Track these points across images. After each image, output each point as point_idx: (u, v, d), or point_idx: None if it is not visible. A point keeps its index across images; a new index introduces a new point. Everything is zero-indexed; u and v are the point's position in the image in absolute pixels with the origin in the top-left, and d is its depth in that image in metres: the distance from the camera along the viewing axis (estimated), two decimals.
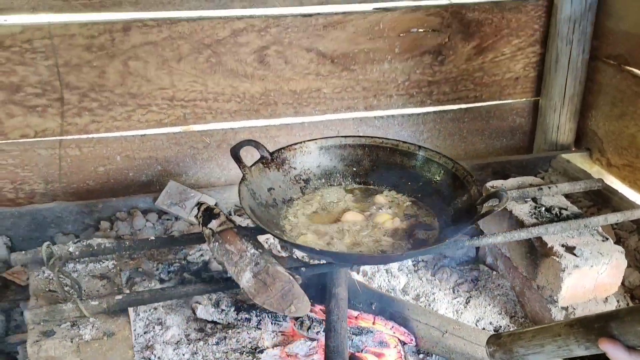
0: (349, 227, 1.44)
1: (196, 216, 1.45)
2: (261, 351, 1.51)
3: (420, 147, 1.59)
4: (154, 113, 2.10)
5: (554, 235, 1.53)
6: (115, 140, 2.11)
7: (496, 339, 0.96)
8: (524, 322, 1.62)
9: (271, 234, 1.29)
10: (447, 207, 1.46)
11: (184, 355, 1.51)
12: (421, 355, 1.53)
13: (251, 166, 1.50)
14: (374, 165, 1.62)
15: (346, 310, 1.40)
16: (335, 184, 1.61)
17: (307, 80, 2.19)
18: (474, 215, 1.32)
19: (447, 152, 1.70)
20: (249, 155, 1.55)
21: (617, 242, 1.66)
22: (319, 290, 1.52)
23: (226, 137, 2.21)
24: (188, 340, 1.56)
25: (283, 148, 1.60)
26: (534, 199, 1.67)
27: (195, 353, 1.51)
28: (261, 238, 1.51)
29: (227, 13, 2.01)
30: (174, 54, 2.02)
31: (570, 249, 1.49)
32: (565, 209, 1.64)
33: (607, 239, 1.54)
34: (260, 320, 1.57)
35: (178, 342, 1.55)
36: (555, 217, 1.60)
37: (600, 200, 2.05)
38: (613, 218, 1.60)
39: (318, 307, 1.55)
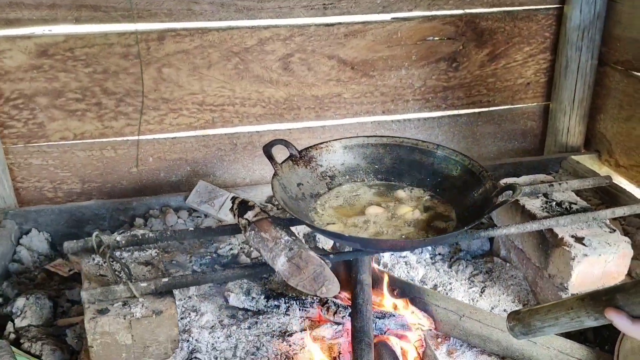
0: (372, 219, 1.55)
1: (231, 209, 1.56)
2: (290, 334, 1.62)
3: (438, 145, 1.71)
4: (185, 117, 2.23)
5: (564, 227, 1.63)
6: (148, 143, 2.24)
7: (515, 315, 1.04)
8: None
9: (303, 222, 1.41)
10: (463, 200, 1.57)
11: (218, 338, 1.62)
12: (439, 339, 1.64)
13: (282, 163, 1.62)
14: (395, 162, 1.73)
15: (371, 295, 1.51)
16: (358, 180, 1.73)
17: (328, 86, 2.31)
18: (489, 207, 1.43)
19: None
20: (279, 154, 1.66)
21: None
22: (344, 279, 1.63)
23: (252, 140, 2.33)
24: (222, 325, 1.67)
25: (310, 147, 1.71)
26: (545, 195, 1.78)
27: (229, 336, 1.63)
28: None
29: (254, 23, 2.14)
30: (204, 61, 2.15)
31: (579, 240, 1.59)
32: (575, 204, 1.74)
33: (615, 230, 1.64)
34: (289, 307, 1.68)
35: (212, 326, 1.66)
36: (565, 210, 1.71)
37: (609, 198, 2.15)
38: (620, 211, 1.70)
39: (343, 294, 1.66)
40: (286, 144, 1.65)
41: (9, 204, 2.13)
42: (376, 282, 1.63)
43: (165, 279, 1.36)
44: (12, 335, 1.59)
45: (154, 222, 2.14)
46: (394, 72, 2.34)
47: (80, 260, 1.87)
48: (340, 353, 1.55)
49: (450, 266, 1.91)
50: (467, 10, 2.34)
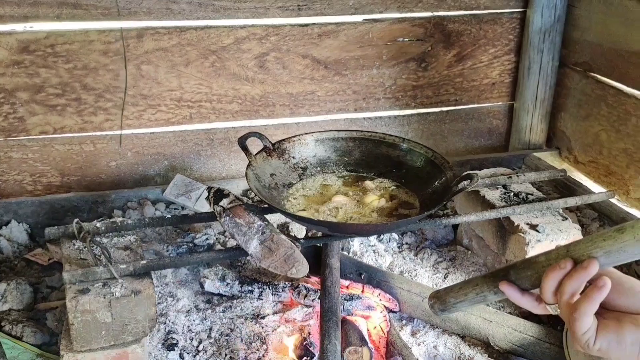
0: (341, 206, 1.64)
1: (207, 197, 1.64)
2: (263, 317, 1.71)
3: (404, 139, 1.81)
4: (163, 112, 2.30)
5: (520, 216, 1.75)
6: (127, 137, 2.30)
7: (435, 294, 1.13)
8: None
9: (275, 208, 1.49)
10: (426, 189, 1.67)
11: (194, 320, 1.70)
12: (404, 321, 1.74)
13: (256, 154, 1.70)
14: (363, 155, 1.83)
15: (339, 278, 1.60)
16: (329, 172, 1.82)
17: (302, 84, 2.40)
18: (449, 194, 1.53)
19: None
20: (254, 147, 1.75)
21: (580, 227, 1.87)
22: (314, 264, 1.72)
23: (228, 135, 2.41)
24: (197, 309, 1.75)
25: (283, 140, 1.80)
26: (504, 186, 1.89)
27: (205, 319, 1.70)
28: None
29: (231, 22, 2.23)
30: (182, 59, 2.23)
31: (533, 227, 1.71)
32: (532, 194, 1.86)
33: (567, 218, 1.76)
34: (262, 291, 1.77)
35: (189, 310, 1.74)
36: (522, 200, 1.82)
37: (566, 192, 2.27)
38: (572, 201, 1.82)
39: (314, 279, 1.75)
40: (260, 136, 1.73)
41: None
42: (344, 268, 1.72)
43: (144, 261, 1.43)
44: None
45: (132, 214, 2.21)
46: (365, 72, 2.44)
47: (59, 249, 1.94)
48: (310, 334, 1.63)
49: (416, 254, 2.01)
50: (435, 13, 2.45)
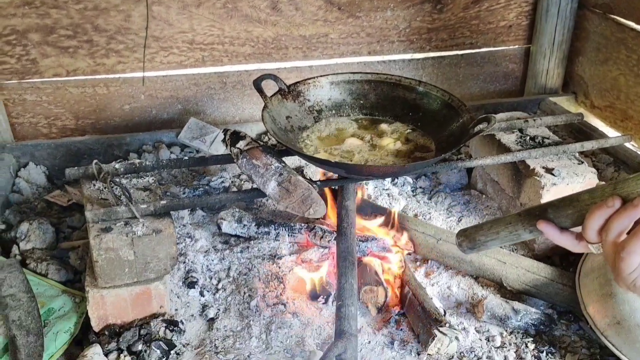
0: (357, 149, 1.65)
1: (224, 140, 1.65)
2: (280, 258, 1.75)
3: (420, 81, 1.79)
4: (175, 55, 2.28)
5: (536, 159, 1.75)
6: (139, 80, 2.29)
7: (463, 232, 1.12)
8: None
9: (291, 149, 1.50)
10: (443, 132, 1.67)
11: (212, 260, 1.74)
12: (418, 262, 1.77)
13: (271, 96, 1.70)
14: (379, 98, 1.82)
15: (355, 219, 1.62)
16: (344, 115, 1.81)
17: (315, 26, 2.36)
18: (466, 137, 1.53)
19: None
20: (269, 89, 1.73)
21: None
22: (331, 207, 1.74)
23: (241, 79, 2.39)
24: (215, 249, 1.79)
25: (298, 82, 1.79)
26: (520, 130, 1.88)
27: (223, 259, 1.74)
28: None
29: None
30: None
31: (549, 170, 1.71)
32: (548, 138, 1.85)
33: (582, 162, 1.76)
34: (278, 233, 1.80)
35: (207, 251, 1.78)
36: (538, 144, 1.82)
37: (582, 136, 2.26)
38: (589, 145, 1.81)
39: (329, 221, 1.78)
40: (275, 78, 1.72)
41: (5, 139, 2.19)
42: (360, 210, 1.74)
43: (164, 201, 1.45)
44: (18, 257, 1.69)
45: (147, 157, 2.22)
46: (379, 14, 2.39)
47: (78, 191, 1.97)
48: (326, 273, 1.67)
49: (430, 198, 2.03)
50: None
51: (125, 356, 1.40)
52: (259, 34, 2.32)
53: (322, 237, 1.74)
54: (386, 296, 1.58)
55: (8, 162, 2.09)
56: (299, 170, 2.09)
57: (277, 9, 2.29)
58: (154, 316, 1.50)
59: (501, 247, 1.70)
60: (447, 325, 1.48)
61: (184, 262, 1.70)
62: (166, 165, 1.64)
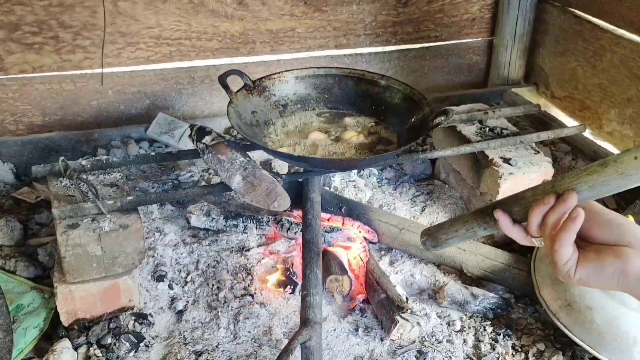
0: (321, 142, 1.69)
1: (190, 135, 1.67)
2: (248, 250, 1.78)
3: (382, 75, 1.84)
4: (142, 50, 2.29)
5: (494, 150, 1.81)
6: (107, 76, 2.30)
7: (427, 231, 1.16)
8: None
9: (257, 144, 1.53)
10: (404, 125, 1.72)
11: (181, 254, 1.77)
12: (382, 252, 1.83)
13: (237, 92, 1.73)
14: (343, 92, 1.86)
15: (320, 211, 1.67)
16: (309, 109, 1.85)
17: (282, 21, 2.39)
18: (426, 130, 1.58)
19: None
20: (234, 84, 1.76)
21: (553, 162, 1.93)
22: (296, 198, 1.78)
23: (209, 74, 2.41)
24: (184, 243, 1.82)
25: (263, 77, 1.82)
26: (480, 121, 1.94)
27: (192, 252, 1.77)
28: None
29: None
30: None
31: (507, 160, 1.77)
32: (506, 129, 1.91)
33: (539, 152, 1.83)
34: (246, 226, 1.83)
35: (176, 244, 1.80)
36: (497, 135, 1.88)
37: (543, 127, 2.33)
38: (545, 135, 1.88)
39: (296, 213, 1.82)
40: (240, 74, 1.75)
41: None
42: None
43: (131, 197, 1.48)
44: None
45: (115, 153, 2.23)
46: (345, 7, 2.43)
47: (46, 188, 1.97)
48: (292, 264, 1.71)
49: (395, 189, 2.08)
50: None
51: (94, 349, 1.43)
52: (226, 29, 2.34)
53: (288, 229, 1.78)
54: (351, 285, 1.63)
55: None
56: (267, 165, 2.13)
57: (243, 4, 2.31)
58: (123, 310, 1.52)
59: None
60: (409, 311, 1.53)
61: (153, 256, 1.73)
62: (133, 161, 1.67)
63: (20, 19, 2.09)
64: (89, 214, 1.45)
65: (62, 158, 1.59)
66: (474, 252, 1.69)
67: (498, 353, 1.52)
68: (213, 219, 1.84)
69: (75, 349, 1.43)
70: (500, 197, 1.76)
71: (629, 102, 2.15)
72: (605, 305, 1.43)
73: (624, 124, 2.19)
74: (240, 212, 1.89)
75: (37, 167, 1.60)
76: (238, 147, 1.59)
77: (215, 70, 2.40)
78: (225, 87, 1.70)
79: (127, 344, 1.44)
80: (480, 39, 2.69)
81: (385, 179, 2.15)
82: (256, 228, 1.82)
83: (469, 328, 1.59)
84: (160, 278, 1.66)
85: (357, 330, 1.57)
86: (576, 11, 2.39)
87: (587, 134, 2.28)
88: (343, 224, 1.77)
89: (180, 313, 1.58)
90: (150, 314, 1.55)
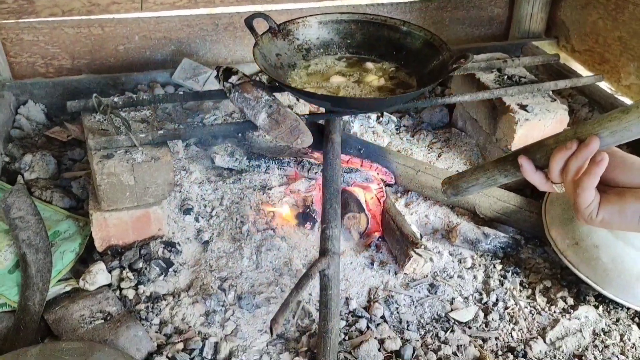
0: (343, 85, 1.74)
1: (216, 76, 1.73)
2: (270, 188, 1.86)
3: (404, 22, 1.87)
4: None
5: (512, 97, 1.85)
6: (133, 21, 2.35)
7: (448, 179, 1.20)
8: None
9: (281, 83, 1.59)
10: (424, 70, 1.76)
11: (206, 191, 1.85)
12: (399, 194, 1.90)
13: (262, 34, 1.78)
14: (365, 38, 1.90)
15: (340, 152, 1.73)
16: (332, 54, 1.90)
17: None
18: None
19: None
20: (259, 29, 1.81)
21: (570, 114, 1.96)
22: (318, 142, 1.85)
23: (232, 21, 2.45)
24: (209, 181, 1.90)
25: (288, 21, 1.87)
26: (499, 70, 1.98)
27: (216, 189, 1.86)
28: None
29: None
30: None
31: (523, 107, 1.81)
32: (524, 77, 1.95)
33: (555, 99, 1.86)
34: (268, 166, 1.91)
35: (201, 182, 1.89)
36: (515, 83, 1.92)
37: (560, 78, 2.35)
38: (562, 83, 1.91)
39: (317, 154, 1.89)
40: (265, 17, 1.79)
41: (4, 77, 2.26)
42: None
43: (161, 131, 1.56)
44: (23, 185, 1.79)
45: (142, 96, 2.30)
46: None
47: (77, 127, 2.06)
48: (312, 202, 1.79)
49: (412, 135, 2.14)
50: None
51: (127, 272, 1.53)
52: None
53: (309, 170, 1.85)
54: (368, 222, 1.71)
55: (8, 100, 2.17)
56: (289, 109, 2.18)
57: None
58: (153, 238, 1.62)
59: None
60: (423, 247, 1.61)
61: (180, 192, 1.81)
62: (162, 99, 1.74)
63: None
64: (123, 146, 1.53)
65: (95, 95, 1.66)
66: (487, 195, 1.75)
67: (506, 288, 1.60)
68: (237, 159, 1.92)
69: (109, 271, 1.54)
70: (515, 142, 1.82)
71: None
72: (611, 244, 1.50)
73: None
74: (262, 153, 1.97)
75: (72, 103, 1.68)
76: (263, 86, 1.65)
77: (238, 18, 2.44)
78: (251, 29, 1.74)
79: (157, 269, 1.55)
80: None
81: (404, 126, 2.20)
82: (278, 168, 1.89)
83: (480, 265, 1.67)
84: (187, 211, 1.75)
85: (372, 264, 1.65)
86: None
87: (604, 86, 2.30)
88: (362, 165, 1.84)
89: (206, 243, 1.68)
90: (179, 243, 1.65)
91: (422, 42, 1.81)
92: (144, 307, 1.47)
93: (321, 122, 1.77)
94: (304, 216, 1.76)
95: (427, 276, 1.62)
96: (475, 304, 1.56)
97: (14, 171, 1.87)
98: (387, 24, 1.89)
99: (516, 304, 1.56)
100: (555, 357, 1.44)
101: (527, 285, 1.62)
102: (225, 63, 2.53)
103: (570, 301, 1.56)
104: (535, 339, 1.46)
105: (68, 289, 1.50)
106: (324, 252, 1.44)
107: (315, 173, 1.84)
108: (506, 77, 1.94)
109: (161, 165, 1.51)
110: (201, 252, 1.65)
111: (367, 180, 1.80)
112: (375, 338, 1.43)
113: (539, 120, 1.79)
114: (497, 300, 1.56)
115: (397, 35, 1.87)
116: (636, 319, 1.53)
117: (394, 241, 1.67)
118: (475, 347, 1.44)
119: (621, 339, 1.48)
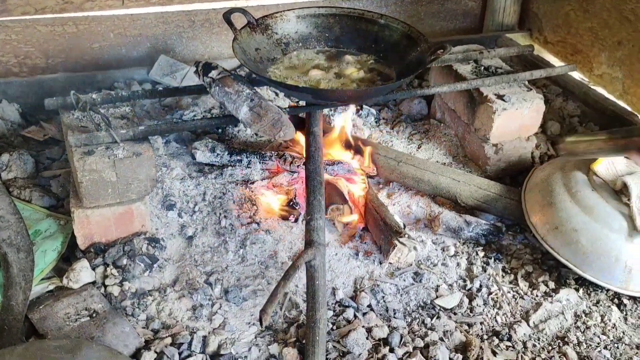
0: (323, 78, 1.75)
1: (196, 71, 1.72)
2: (252, 182, 1.86)
3: (382, 15, 1.89)
4: None
5: (489, 87, 1.88)
6: (108, 19, 2.32)
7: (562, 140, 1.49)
8: (464, 160, 2.01)
9: (261, 77, 1.60)
10: (403, 62, 1.78)
11: (189, 186, 1.84)
12: (381, 185, 1.91)
13: (240, 29, 1.77)
14: (344, 31, 1.91)
15: (322, 144, 1.74)
16: (310, 47, 1.91)
17: None
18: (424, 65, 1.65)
19: None
20: (238, 24, 1.81)
21: (545, 102, 2.00)
22: (299, 135, 1.85)
23: (209, 17, 2.44)
24: (191, 177, 1.89)
25: (266, 15, 1.87)
26: (476, 61, 2.01)
27: (198, 185, 1.85)
28: None
29: None
30: None
31: (500, 97, 1.85)
32: (500, 68, 1.98)
33: (531, 89, 1.90)
34: (250, 160, 1.90)
35: (183, 178, 1.88)
36: (492, 73, 1.95)
37: (534, 68, 2.40)
38: (537, 73, 1.95)
39: (298, 148, 1.89)
40: (244, 12, 1.80)
41: None
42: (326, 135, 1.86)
43: (142, 127, 1.54)
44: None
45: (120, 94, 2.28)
46: None
47: (53, 126, 2.04)
48: (295, 195, 1.80)
49: (392, 127, 2.16)
50: None
51: (111, 269, 1.52)
52: None
53: (291, 163, 1.85)
54: (351, 213, 1.72)
55: None
56: None
57: None
58: (137, 234, 1.61)
59: (455, 167, 1.85)
60: (407, 236, 1.63)
61: (162, 188, 1.80)
62: (141, 95, 1.72)
63: None
64: (103, 143, 1.52)
65: (73, 92, 1.64)
66: (468, 183, 1.78)
67: (489, 274, 1.63)
68: (218, 154, 1.91)
69: (93, 269, 1.52)
70: (494, 132, 1.86)
71: (619, 45, 2.22)
72: (590, 227, 1.53)
73: (614, 67, 2.26)
74: (244, 148, 1.96)
75: (50, 100, 1.65)
76: (244, 80, 1.65)
77: (215, 14, 2.43)
78: (230, 23, 1.74)
79: (142, 265, 1.53)
80: None
81: (383, 118, 2.22)
82: (259, 163, 1.89)
83: (462, 253, 1.70)
84: (170, 207, 1.74)
85: (357, 254, 1.67)
86: None
87: (577, 76, 2.35)
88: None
89: (190, 239, 1.67)
90: (162, 239, 1.64)
91: (400, 35, 1.83)
92: (130, 303, 1.46)
93: (302, 115, 1.77)
94: (288, 208, 1.76)
95: (411, 265, 1.64)
96: (459, 290, 1.58)
97: None
98: (364, 17, 1.90)
99: (499, 289, 1.59)
100: (538, 339, 1.47)
101: (509, 271, 1.65)
102: (202, 59, 2.45)
103: (552, 285, 1.60)
104: (519, 323, 1.49)
105: (52, 287, 1.49)
106: (309, 243, 1.45)
107: (297, 166, 1.84)
108: (483, 68, 1.98)
109: (143, 160, 1.50)
110: (186, 247, 1.65)
111: (349, 172, 1.81)
112: (363, 327, 1.44)
113: (516, 109, 1.82)
114: (480, 286, 1.59)
115: (375, 28, 1.89)
116: (615, 300, 1.57)
117: (377, 231, 1.68)
118: (461, 332, 1.46)
119: (602, 320, 1.51)
